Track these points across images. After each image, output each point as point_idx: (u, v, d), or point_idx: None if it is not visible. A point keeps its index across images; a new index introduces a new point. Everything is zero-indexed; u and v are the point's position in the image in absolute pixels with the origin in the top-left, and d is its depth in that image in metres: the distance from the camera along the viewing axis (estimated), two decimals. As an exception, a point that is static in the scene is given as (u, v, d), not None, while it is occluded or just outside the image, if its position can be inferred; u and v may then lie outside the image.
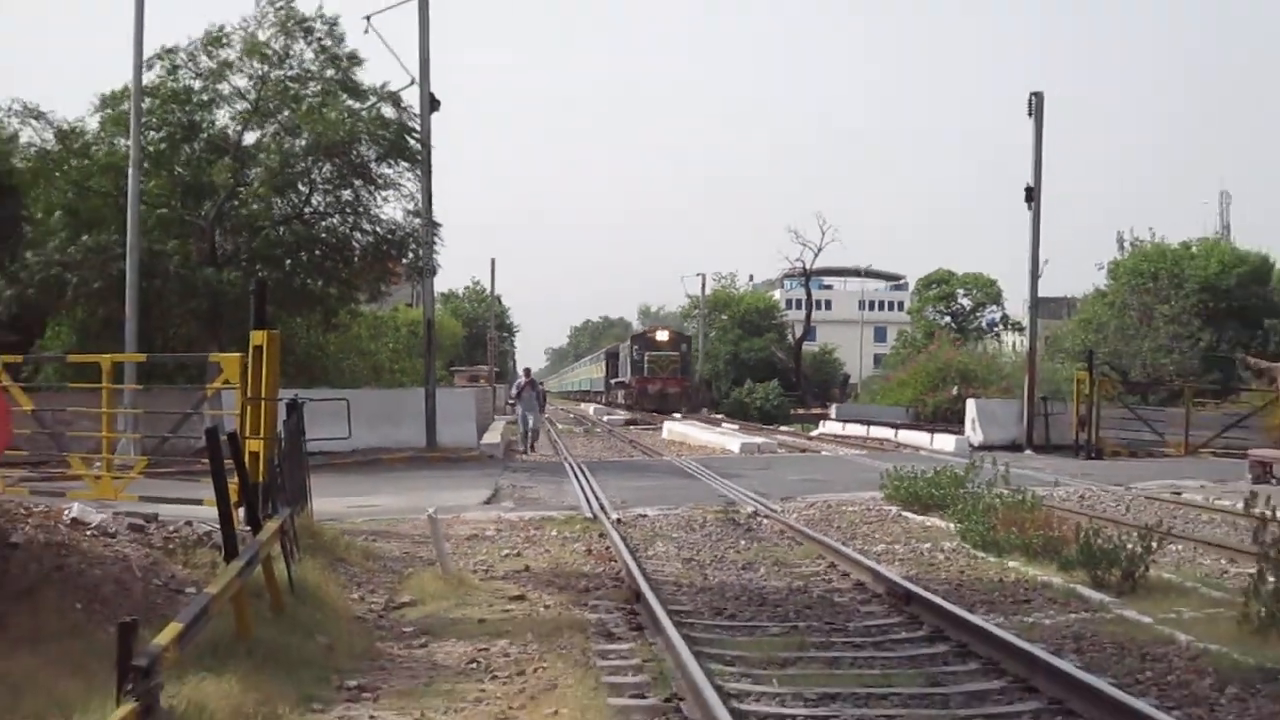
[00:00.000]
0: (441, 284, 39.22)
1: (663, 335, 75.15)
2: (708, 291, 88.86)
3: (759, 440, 40.82)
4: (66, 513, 14.22)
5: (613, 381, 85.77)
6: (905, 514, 19.25)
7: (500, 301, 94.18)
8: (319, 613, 11.24)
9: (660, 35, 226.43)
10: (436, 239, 33.55)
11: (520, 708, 8.38)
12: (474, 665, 9.71)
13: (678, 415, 60.84)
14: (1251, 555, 12.19)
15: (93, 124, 32.05)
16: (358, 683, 9.05)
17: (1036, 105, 37.41)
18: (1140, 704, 7.52)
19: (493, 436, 39.82)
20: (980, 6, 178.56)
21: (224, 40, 31.82)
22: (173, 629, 7.65)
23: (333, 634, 10.53)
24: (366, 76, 33.09)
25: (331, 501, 17.63)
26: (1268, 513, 11.32)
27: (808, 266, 77.20)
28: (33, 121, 30.71)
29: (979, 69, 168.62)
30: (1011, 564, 14.31)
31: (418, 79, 32.07)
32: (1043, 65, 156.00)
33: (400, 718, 8.15)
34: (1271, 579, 9.36)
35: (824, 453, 38.09)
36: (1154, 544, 13.24)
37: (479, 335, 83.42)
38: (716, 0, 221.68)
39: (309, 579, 12.09)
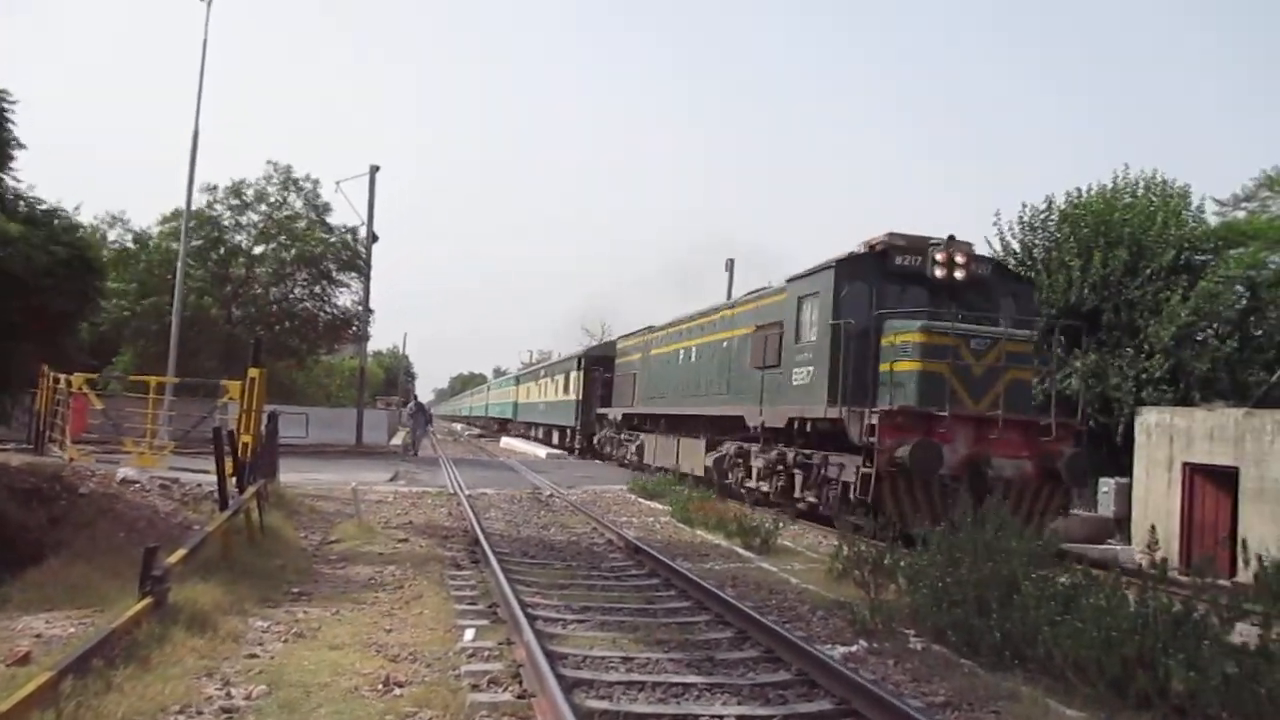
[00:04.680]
0: (372, 346, 38.31)
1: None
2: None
3: (557, 451, 39.51)
4: (119, 474, 13.28)
5: (609, 417, 30.07)
6: (640, 500, 19.16)
7: (408, 358, 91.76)
8: (278, 544, 10.68)
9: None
10: (370, 319, 33.55)
11: (401, 607, 8.05)
12: (373, 580, 9.29)
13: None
14: (834, 533, 12.56)
15: (154, 230, 31.06)
16: (299, 590, 8.59)
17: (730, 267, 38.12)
18: (767, 620, 7.60)
19: (397, 440, 38.62)
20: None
21: (242, 188, 31.66)
22: (180, 552, 7.25)
23: (286, 558, 10.01)
24: (335, 218, 32.80)
25: (292, 475, 16.79)
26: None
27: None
28: (118, 225, 30.58)
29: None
30: (700, 532, 14.34)
31: (366, 222, 31.84)
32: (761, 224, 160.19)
33: (325, 612, 7.73)
34: (845, 549, 9.62)
35: (596, 461, 37.57)
36: (780, 524, 13.57)
37: (393, 377, 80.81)
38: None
39: (273, 523, 11.51)
